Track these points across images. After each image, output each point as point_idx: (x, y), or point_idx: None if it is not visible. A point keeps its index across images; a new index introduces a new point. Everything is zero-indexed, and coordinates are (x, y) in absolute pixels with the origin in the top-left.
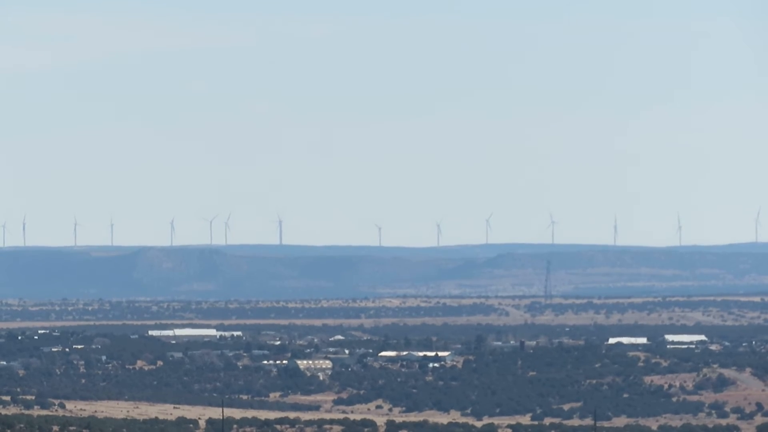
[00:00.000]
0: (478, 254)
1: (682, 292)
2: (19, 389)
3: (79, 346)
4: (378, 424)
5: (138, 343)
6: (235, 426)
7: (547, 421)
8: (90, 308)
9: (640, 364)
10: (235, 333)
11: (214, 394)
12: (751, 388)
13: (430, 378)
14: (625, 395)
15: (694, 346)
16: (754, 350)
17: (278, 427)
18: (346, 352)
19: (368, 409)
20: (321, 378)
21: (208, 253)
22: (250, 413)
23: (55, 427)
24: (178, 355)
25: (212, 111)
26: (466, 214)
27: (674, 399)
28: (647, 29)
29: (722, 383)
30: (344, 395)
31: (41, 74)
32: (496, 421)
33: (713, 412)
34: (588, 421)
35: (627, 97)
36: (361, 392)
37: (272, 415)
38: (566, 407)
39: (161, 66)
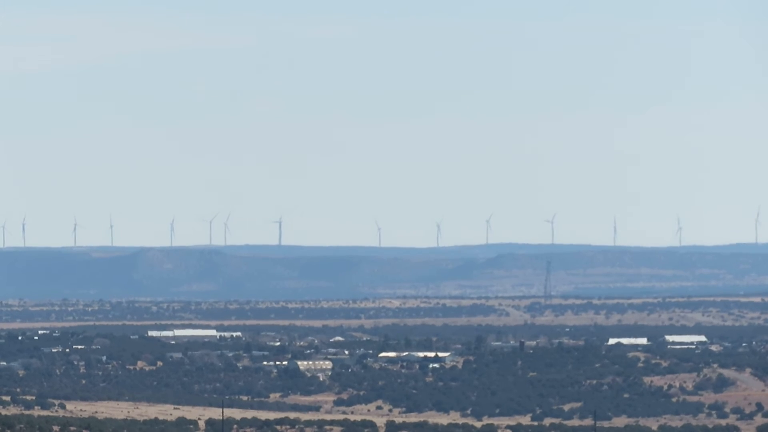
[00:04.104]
0: (477, 254)
1: (682, 293)
2: (19, 390)
3: (80, 347)
4: (378, 424)
5: (138, 343)
6: (235, 426)
7: (547, 421)
8: (90, 309)
9: (640, 364)
10: (235, 333)
11: (214, 395)
12: (751, 389)
13: (430, 379)
14: (625, 395)
15: (694, 347)
16: (754, 350)
17: (278, 427)
18: (346, 352)
19: (368, 410)
20: (321, 379)
21: (208, 253)
22: (250, 414)
23: (56, 428)
24: (178, 355)
25: (212, 111)
26: (466, 215)
27: (674, 399)
28: (647, 29)
29: (722, 383)
30: (344, 396)
31: (41, 74)
32: (496, 421)
33: (713, 412)
34: (588, 422)
35: (626, 98)
36: (361, 393)
37: (272, 415)
38: (566, 407)
39: (161, 66)
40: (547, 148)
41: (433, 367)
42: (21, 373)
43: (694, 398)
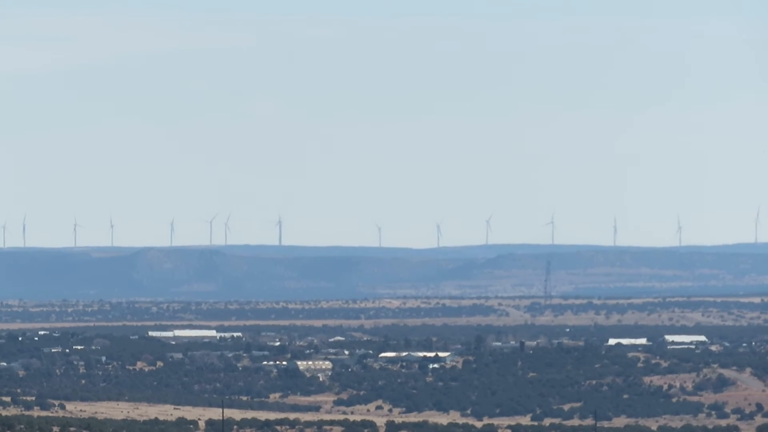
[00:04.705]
0: (478, 255)
1: (681, 293)
2: (19, 390)
3: (79, 347)
4: (378, 424)
5: (138, 343)
6: (235, 427)
7: (547, 421)
8: (90, 309)
9: (640, 364)
10: (235, 334)
11: (214, 395)
12: (751, 389)
13: (430, 378)
14: (625, 396)
15: (694, 347)
16: (754, 350)
17: (278, 428)
18: (346, 352)
19: (368, 410)
20: (321, 379)
21: (208, 253)
22: (250, 414)
23: (56, 428)
24: (178, 355)
25: (212, 111)
26: (466, 215)
27: (674, 399)
28: (647, 29)
29: (722, 384)
30: (344, 396)
31: (41, 74)
32: (496, 421)
33: (713, 412)
34: (588, 422)
35: (627, 98)
36: (361, 393)
37: (272, 415)
38: (566, 407)
39: (161, 66)
40: (547, 148)
41: (433, 367)
42: (21, 373)
43: (694, 398)
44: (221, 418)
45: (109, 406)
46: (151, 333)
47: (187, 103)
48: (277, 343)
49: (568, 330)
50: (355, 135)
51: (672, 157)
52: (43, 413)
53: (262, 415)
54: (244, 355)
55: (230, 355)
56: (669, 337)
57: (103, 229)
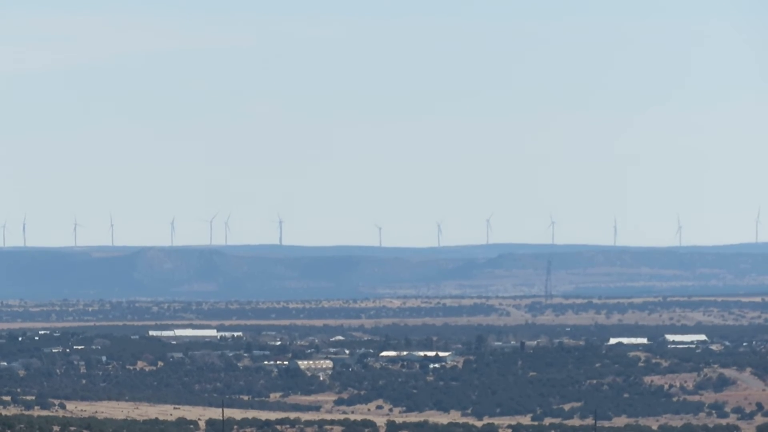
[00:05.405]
0: (478, 254)
1: (682, 292)
2: (19, 390)
3: (80, 347)
4: (378, 424)
5: (138, 343)
6: (235, 426)
7: (548, 421)
8: (90, 309)
9: (641, 364)
10: (236, 333)
11: (215, 395)
12: (751, 388)
13: (431, 378)
14: (626, 395)
15: (694, 346)
16: (755, 350)
17: (279, 427)
18: (347, 352)
19: (369, 410)
20: (321, 378)
21: (208, 253)
22: (250, 414)
23: (56, 428)
24: (179, 355)
25: (212, 111)
26: (466, 214)
27: (674, 399)
28: (647, 29)
29: (722, 383)
30: (345, 395)
31: (41, 74)
32: (496, 421)
33: (713, 412)
34: (588, 421)
35: (627, 98)
36: (362, 392)
37: (273, 415)
38: (567, 407)
39: (161, 66)
40: (547, 148)
41: (433, 366)
42: (21, 373)
43: (695, 398)
44: (222, 417)
45: (110, 405)
46: (151, 333)
47: (187, 103)
48: (278, 343)
49: (568, 329)
50: (355, 135)
51: (672, 157)
52: (44, 413)
53: (263, 415)
54: (245, 354)
55: (231, 354)
56: (669, 337)
57: (103, 228)
